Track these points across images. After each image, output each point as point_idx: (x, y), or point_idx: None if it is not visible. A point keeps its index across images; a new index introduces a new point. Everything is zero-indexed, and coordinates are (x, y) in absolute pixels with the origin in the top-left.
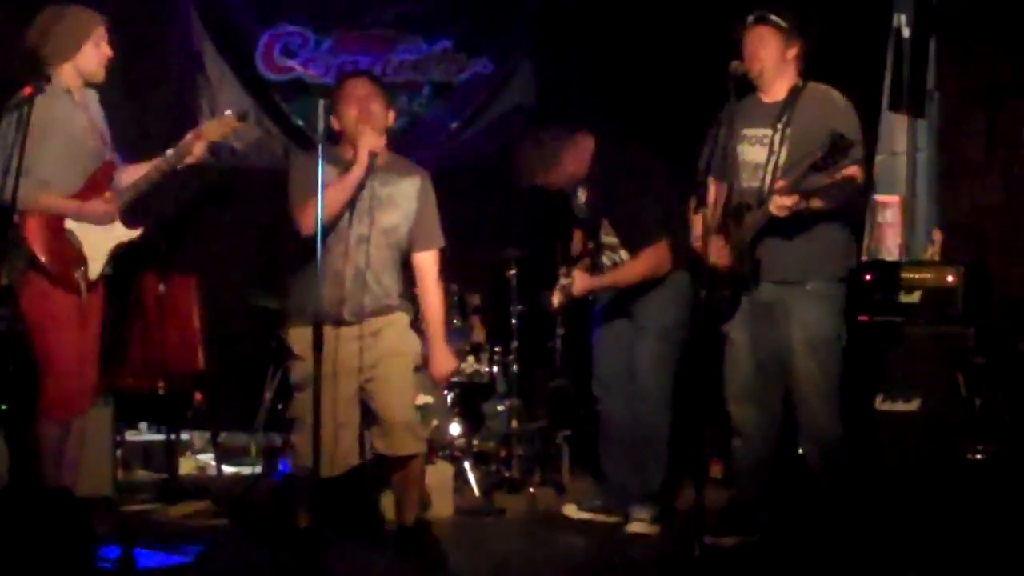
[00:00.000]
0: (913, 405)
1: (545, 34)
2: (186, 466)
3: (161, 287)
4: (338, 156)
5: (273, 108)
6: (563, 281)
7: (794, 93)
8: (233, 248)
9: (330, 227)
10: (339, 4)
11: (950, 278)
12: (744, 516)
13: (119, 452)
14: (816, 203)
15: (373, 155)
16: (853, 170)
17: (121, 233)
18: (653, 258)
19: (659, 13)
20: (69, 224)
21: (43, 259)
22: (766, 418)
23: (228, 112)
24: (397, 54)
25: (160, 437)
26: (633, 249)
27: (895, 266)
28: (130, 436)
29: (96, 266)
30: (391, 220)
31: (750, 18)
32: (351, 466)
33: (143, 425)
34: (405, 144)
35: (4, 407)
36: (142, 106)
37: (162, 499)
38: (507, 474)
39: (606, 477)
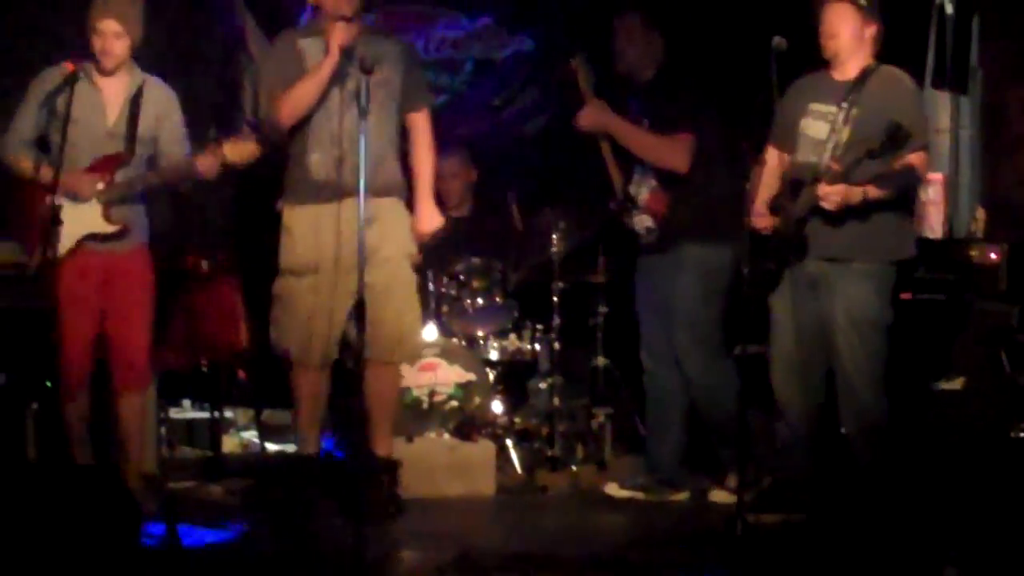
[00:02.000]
0: (956, 384)
1: (587, 10)
2: (230, 443)
3: (205, 265)
4: (319, 30)
5: None
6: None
7: (865, 73)
8: (275, 223)
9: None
10: None
11: (993, 256)
12: (787, 494)
13: (163, 429)
14: (872, 192)
15: (345, 45)
16: (914, 158)
17: (99, 224)
18: (673, 143)
19: None
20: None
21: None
22: (808, 394)
23: (251, 137)
24: (438, 30)
25: (204, 414)
26: (660, 128)
27: (938, 244)
28: (174, 413)
29: (65, 245)
30: (381, 75)
31: None
32: (330, 360)
33: (187, 402)
34: (447, 121)
35: (48, 384)
36: (187, 84)
37: (206, 476)
38: (549, 452)
39: (648, 453)
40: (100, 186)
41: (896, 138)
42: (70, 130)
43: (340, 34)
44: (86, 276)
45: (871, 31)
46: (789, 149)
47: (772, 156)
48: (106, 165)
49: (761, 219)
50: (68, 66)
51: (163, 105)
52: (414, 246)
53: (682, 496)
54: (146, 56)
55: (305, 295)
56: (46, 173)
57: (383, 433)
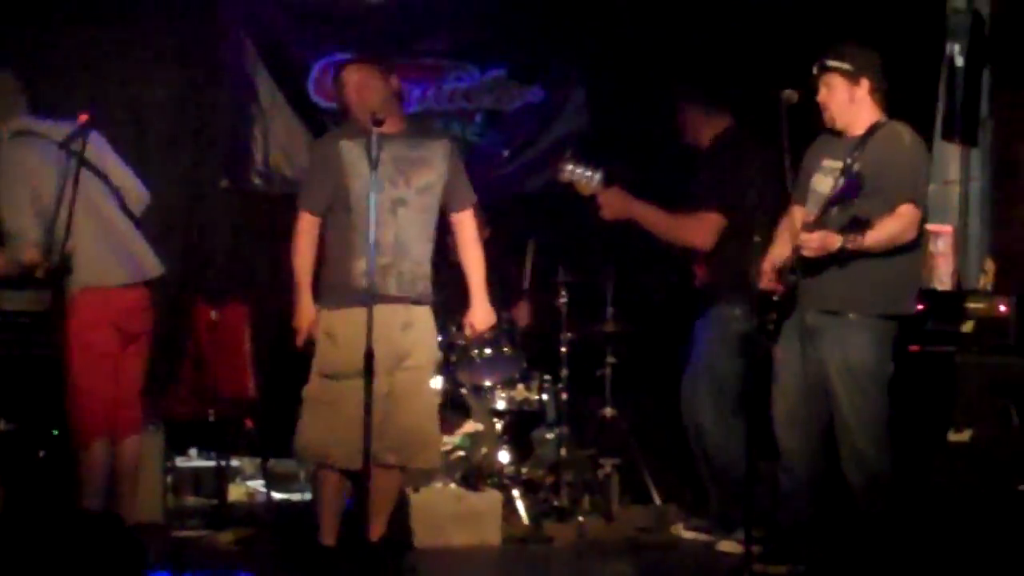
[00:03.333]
0: (965, 436)
1: (598, 61)
2: (236, 492)
3: (213, 314)
4: (354, 130)
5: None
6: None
7: (872, 130)
8: (285, 275)
9: (356, 202)
10: (392, 33)
11: (1003, 308)
12: (791, 544)
13: (169, 478)
14: (851, 241)
15: (376, 118)
16: (902, 209)
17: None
18: (697, 223)
19: (712, 38)
20: None
21: None
22: (811, 444)
23: None
24: (449, 82)
25: (210, 463)
26: (692, 205)
27: (948, 296)
28: (180, 462)
29: None
30: (427, 179)
31: (815, 68)
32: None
33: (193, 451)
34: None
35: (56, 432)
36: (197, 134)
37: (212, 525)
38: (555, 502)
39: (710, 496)
40: None
41: (855, 187)
42: None
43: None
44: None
45: (863, 89)
46: (802, 203)
47: (796, 213)
48: None
49: (767, 280)
50: (81, 118)
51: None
52: (439, 354)
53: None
54: (159, 108)
55: (350, 398)
56: None
57: (379, 523)
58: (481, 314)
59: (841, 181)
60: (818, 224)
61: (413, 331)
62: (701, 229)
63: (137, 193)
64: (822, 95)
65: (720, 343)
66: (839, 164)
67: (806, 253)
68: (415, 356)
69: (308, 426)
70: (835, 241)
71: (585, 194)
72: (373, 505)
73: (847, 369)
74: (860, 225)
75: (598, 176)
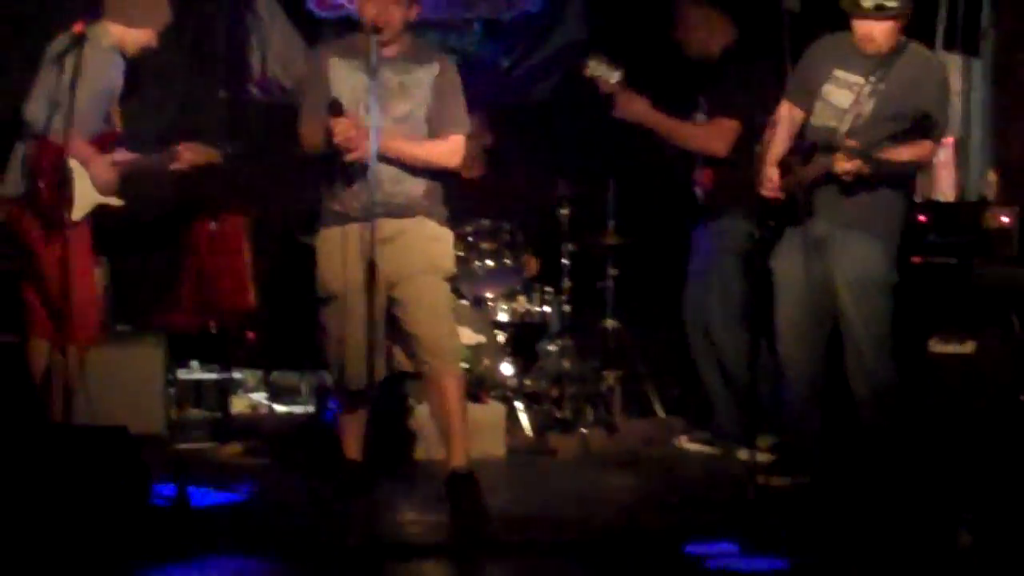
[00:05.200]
0: (968, 347)
1: None
2: (238, 405)
3: (212, 226)
4: (356, 47)
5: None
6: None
7: (896, 51)
8: (284, 187)
9: None
10: None
11: (1005, 219)
12: (795, 456)
13: (171, 390)
14: (886, 161)
15: (376, 26)
16: (925, 147)
17: (107, 198)
18: (716, 129)
19: None
20: (72, 163)
21: (41, 186)
22: (814, 355)
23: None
24: None
25: (212, 376)
26: (710, 114)
27: (949, 207)
28: (182, 375)
29: (78, 213)
30: (403, 108)
31: (868, 4)
32: (380, 378)
33: (195, 364)
34: None
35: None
36: (194, 45)
37: (215, 438)
38: (559, 414)
39: (715, 409)
40: (112, 173)
41: (922, 126)
42: (99, 103)
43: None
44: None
45: (905, 21)
46: (804, 107)
47: (787, 111)
48: (106, 142)
49: (771, 187)
50: (77, 28)
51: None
52: (446, 261)
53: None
54: None
55: (331, 320)
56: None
57: (455, 445)
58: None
59: (869, 103)
60: (859, 155)
61: (401, 244)
62: (720, 135)
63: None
64: (871, 34)
65: (725, 254)
66: (858, 79)
67: (838, 172)
68: (408, 268)
69: (323, 352)
70: (868, 169)
71: (605, 91)
72: (439, 426)
73: (857, 280)
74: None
75: (619, 74)
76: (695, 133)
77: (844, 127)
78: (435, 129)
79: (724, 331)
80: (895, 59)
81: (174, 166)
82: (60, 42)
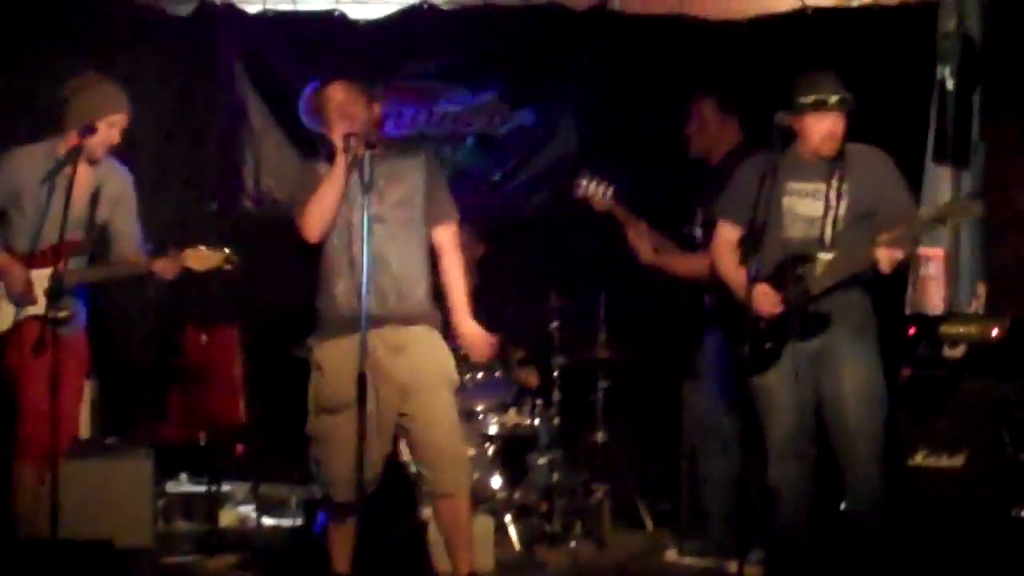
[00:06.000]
0: (957, 461)
1: (588, 84)
2: (227, 518)
3: (203, 338)
4: (326, 156)
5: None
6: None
7: (841, 152)
8: (275, 299)
9: (334, 222)
10: (382, 56)
11: (995, 332)
12: (784, 571)
13: (160, 503)
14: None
15: (351, 139)
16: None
17: (37, 308)
18: (702, 263)
19: (700, 63)
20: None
21: None
22: (804, 473)
23: (227, 250)
24: (440, 105)
25: (201, 488)
26: (707, 240)
27: (938, 320)
28: (171, 487)
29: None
30: (401, 192)
31: (809, 100)
32: (375, 489)
33: (184, 476)
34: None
35: None
36: (188, 157)
37: (203, 551)
38: (548, 528)
39: (710, 521)
40: (24, 284)
41: (961, 204)
42: (32, 208)
43: (342, 127)
44: (28, 346)
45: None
46: (742, 224)
47: (729, 233)
48: (59, 252)
49: (771, 303)
50: (74, 140)
51: (120, 191)
52: (454, 372)
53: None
54: (151, 131)
55: (343, 430)
56: None
57: (463, 557)
58: (473, 336)
59: (842, 204)
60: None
61: (410, 354)
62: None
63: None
64: (833, 128)
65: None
66: (818, 186)
67: (886, 267)
68: (419, 381)
69: (315, 463)
70: (906, 250)
71: (600, 210)
72: (446, 540)
73: (861, 393)
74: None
75: (612, 191)
76: (693, 267)
77: (828, 233)
78: (433, 219)
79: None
80: (844, 159)
81: (161, 276)
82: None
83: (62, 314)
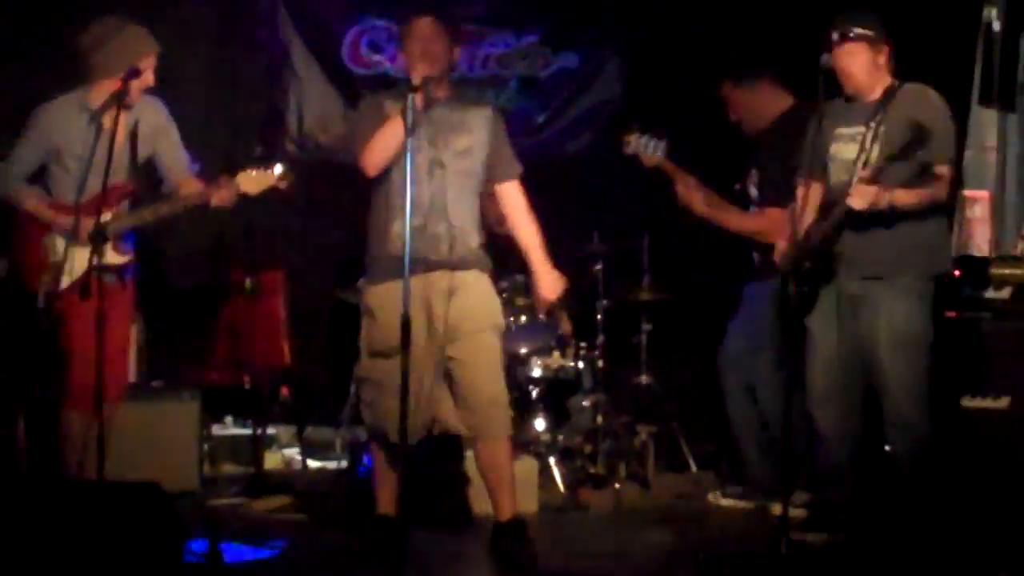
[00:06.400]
0: (1002, 403)
1: (632, 28)
2: (272, 460)
3: (248, 282)
4: (399, 91)
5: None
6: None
7: (889, 93)
8: (320, 242)
9: (396, 159)
10: None
11: None
12: (830, 514)
13: (205, 446)
14: (900, 197)
15: (426, 79)
16: (942, 170)
17: (108, 255)
18: (768, 221)
19: (747, 7)
20: (56, 233)
21: (16, 256)
22: (848, 416)
23: (278, 168)
24: (484, 48)
25: (246, 431)
26: (761, 201)
27: (984, 262)
28: (216, 430)
29: (67, 279)
30: (465, 143)
31: (835, 36)
32: (426, 434)
33: (229, 419)
34: None
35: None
36: (232, 101)
37: (248, 493)
38: (592, 470)
39: (748, 464)
40: (108, 218)
41: (918, 138)
42: (73, 160)
43: (421, 69)
44: (74, 293)
45: (883, 57)
46: (819, 178)
47: (804, 191)
48: (112, 197)
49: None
50: (116, 83)
51: (158, 122)
52: (500, 318)
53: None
54: (194, 78)
55: (395, 374)
56: (43, 209)
57: (506, 499)
58: (548, 282)
59: (874, 148)
60: (866, 176)
61: (460, 298)
62: (772, 225)
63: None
64: (844, 65)
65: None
66: (859, 129)
67: (855, 206)
68: (467, 324)
69: (366, 404)
70: (884, 197)
71: (649, 166)
72: (487, 482)
73: (894, 335)
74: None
75: (663, 147)
76: (745, 225)
77: (856, 177)
78: (499, 174)
79: (776, 394)
80: (890, 101)
81: (216, 204)
82: (51, 110)
83: (119, 260)
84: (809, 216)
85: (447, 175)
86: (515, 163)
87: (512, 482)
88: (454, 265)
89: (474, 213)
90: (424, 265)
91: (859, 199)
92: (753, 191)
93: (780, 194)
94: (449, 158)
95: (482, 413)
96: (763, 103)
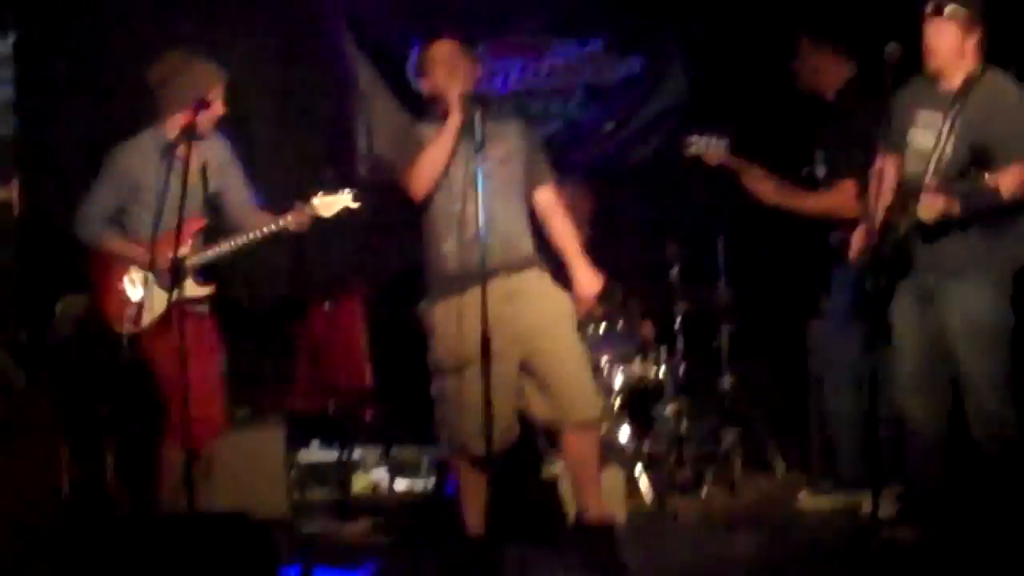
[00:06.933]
0: None
1: (697, 31)
2: (359, 483)
3: (327, 306)
4: (433, 116)
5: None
6: None
7: (969, 82)
8: (397, 262)
9: (442, 180)
10: (488, 11)
11: None
12: (920, 507)
13: (293, 472)
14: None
15: (467, 97)
16: (1013, 171)
17: (189, 289)
18: (838, 196)
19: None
20: (135, 271)
21: (96, 297)
22: (935, 407)
23: (347, 191)
24: (547, 58)
25: (333, 455)
26: (830, 177)
27: None
28: (302, 456)
29: (148, 316)
30: (503, 150)
31: (929, 8)
32: (511, 443)
33: (315, 444)
34: (561, 147)
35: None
36: (302, 126)
37: (337, 517)
38: (679, 476)
39: (841, 462)
40: (185, 251)
41: (979, 160)
42: (151, 196)
43: (458, 86)
44: (161, 330)
45: (973, 40)
46: (900, 154)
47: (883, 163)
48: (188, 230)
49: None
50: (187, 118)
51: (223, 157)
52: (571, 308)
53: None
54: (262, 105)
55: (470, 388)
56: (124, 247)
57: (593, 495)
58: (586, 280)
59: (949, 142)
60: (933, 186)
61: (526, 297)
62: (842, 200)
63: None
64: (931, 39)
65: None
66: (938, 117)
67: (925, 218)
68: (541, 319)
69: (441, 423)
70: (955, 207)
71: (713, 164)
72: (576, 475)
73: (971, 329)
74: (971, 196)
75: (724, 144)
76: (819, 204)
77: (931, 168)
78: (535, 182)
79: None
80: (969, 92)
81: (293, 230)
82: (126, 152)
83: (199, 292)
84: (887, 195)
85: (492, 184)
86: (548, 170)
87: (599, 480)
88: (510, 269)
89: (523, 219)
90: (481, 277)
91: (927, 211)
92: (820, 170)
93: (849, 167)
94: (491, 167)
95: (570, 396)
96: (831, 68)
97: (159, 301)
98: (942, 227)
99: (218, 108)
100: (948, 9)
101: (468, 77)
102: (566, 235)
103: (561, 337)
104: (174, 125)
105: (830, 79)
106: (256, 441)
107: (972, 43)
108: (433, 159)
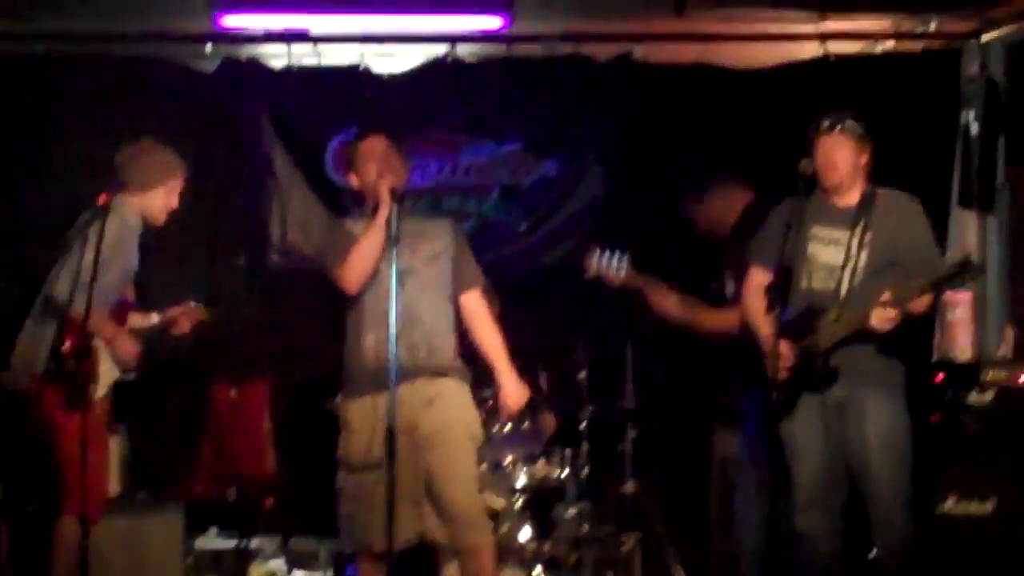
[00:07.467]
0: (987, 507)
1: (613, 134)
2: (256, 572)
3: (233, 393)
4: (363, 211)
5: (342, 212)
6: None
7: (868, 198)
8: (304, 351)
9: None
10: (408, 108)
11: (1023, 377)
12: None
13: (190, 559)
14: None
15: (396, 192)
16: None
17: (127, 373)
18: (739, 315)
19: (725, 111)
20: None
21: (68, 365)
22: (832, 523)
23: (194, 304)
24: (465, 157)
25: (231, 543)
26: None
27: (967, 365)
28: (200, 543)
29: (100, 390)
30: (432, 249)
31: (825, 124)
32: (412, 543)
33: (213, 531)
34: (473, 247)
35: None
36: (214, 213)
37: None
38: None
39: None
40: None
41: (969, 271)
42: (121, 278)
43: (389, 181)
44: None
45: (865, 157)
46: (772, 269)
47: (761, 276)
48: (121, 315)
49: (785, 364)
50: (101, 198)
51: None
52: (479, 429)
53: None
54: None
55: (374, 489)
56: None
57: None
58: (512, 391)
59: (863, 254)
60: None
61: (439, 406)
62: (734, 321)
63: None
64: (829, 155)
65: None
66: (841, 233)
67: (879, 327)
68: (445, 433)
69: (344, 517)
70: (899, 318)
71: (615, 284)
72: None
73: (886, 441)
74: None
75: (624, 263)
76: (723, 322)
77: (844, 286)
78: (462, 285)
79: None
80: (871, 205)
81: (175, 330)
82: (84, 216)
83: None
84: (765, 311)
85: (418, 282)
86: (478, 273)
87: None
88: (432, 372)
89: (449, 318)
90: (401, 374)
91: (882, 323)
92: (729, 286)
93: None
94: (418, 265)
95: (460, 524)
96: (725, 207)
97: (110, 375)
98: (857, 339)
99: (171, 201)
100: (847, 124)
101: (399, 173)
102: (492, 342)
103: (458, 461)
104: (137, 207)
105: (729, 215)
106: (154, 526)
107: (864, 160)
108: (364, 255)
